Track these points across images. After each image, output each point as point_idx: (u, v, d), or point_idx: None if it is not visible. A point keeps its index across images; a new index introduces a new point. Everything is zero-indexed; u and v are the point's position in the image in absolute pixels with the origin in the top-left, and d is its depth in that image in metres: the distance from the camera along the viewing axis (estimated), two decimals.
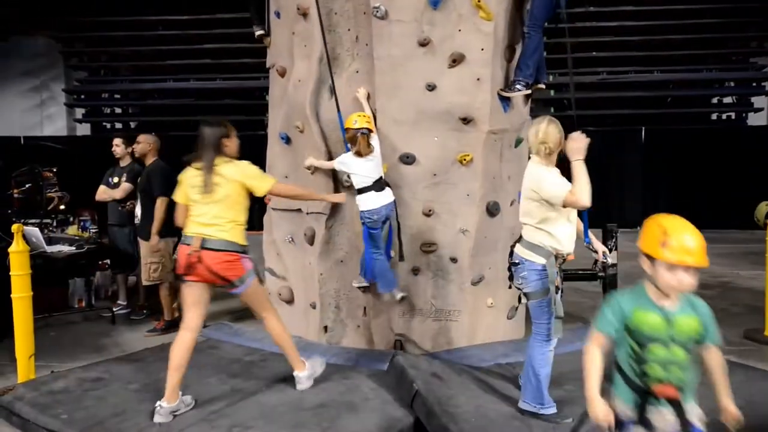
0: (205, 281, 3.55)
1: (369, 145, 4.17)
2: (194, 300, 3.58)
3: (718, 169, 13.47)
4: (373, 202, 4.16)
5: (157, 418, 3.43)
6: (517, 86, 4.57)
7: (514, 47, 4.75)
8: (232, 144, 3.61)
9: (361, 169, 4.17)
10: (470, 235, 4.53)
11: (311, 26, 4.61)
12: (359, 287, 4.54)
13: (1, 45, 14.90)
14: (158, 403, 3.47)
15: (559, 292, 3.43)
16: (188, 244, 3.50)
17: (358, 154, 4.15)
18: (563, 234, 3.36)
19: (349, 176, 4.32)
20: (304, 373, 3.87)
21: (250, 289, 3.64)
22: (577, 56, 14.09)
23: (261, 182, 3.61)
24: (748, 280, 7.72)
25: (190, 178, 3.57)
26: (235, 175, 3.52)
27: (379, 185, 4.19)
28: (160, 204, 5.51)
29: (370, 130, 4.24)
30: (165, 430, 3.33)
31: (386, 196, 4.21)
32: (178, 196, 3.66)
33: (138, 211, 5.72)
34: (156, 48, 14.74)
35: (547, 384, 3.39)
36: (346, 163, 4.24)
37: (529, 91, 4.70)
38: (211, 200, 3.47)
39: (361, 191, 4.19)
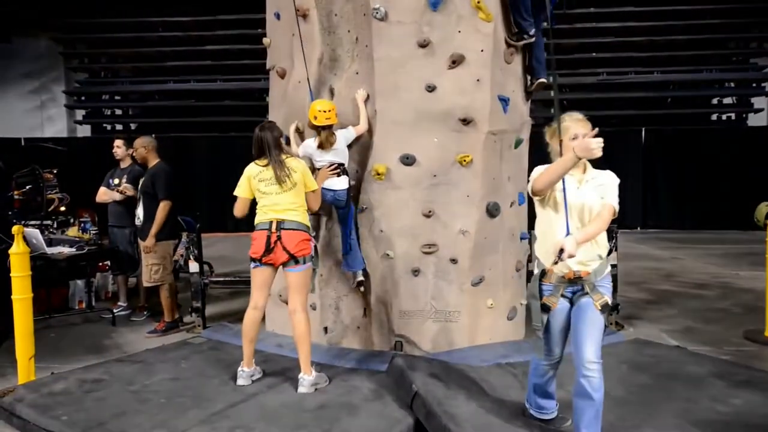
0: (276, 262, 3.92)
1: (332, 135, 4.37)
2: (262, 283, 4.01)
3: (718, 169, 13.48)
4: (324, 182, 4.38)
5: (239, 381, 3.97)
6: (542, 77, 4.84)
7: (514, 48, 4.76)
8: (282, 142, 4.09)
9: (322, 158, 4.42)
10: (470, 236, 4.53)
11: (311, 28, 4.62)
12: (358, 283, 4.58)
13: (3, 46, 14.92)
14: (239, 368, 4.02)
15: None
16: (265, 229, 3.90)
17: (321, 146, 4.38)
18: (545, 242, 3.00)
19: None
20: (310, 378, 3.89)
21: (305, 271, 3.96)
22: (577, 57, 14.12)
23: (310, 182, 4.06)
24: (748, 280, 7.72)
25: (257, 174, 3.95)
26: (300, 167, 3.99)
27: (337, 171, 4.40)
28: (163, 207, 5.54)
29: (332, 125, 4.37)
30: None
31: (338, 183, 4.38)
32: (243, 191, 4.02)
33: (140, 212, 5.72)
34: (156, 49, 14.76)
35: (541, 392, 3.25)
36: (309, 151, 4.47)
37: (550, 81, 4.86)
38: (285, 189, 3.90)
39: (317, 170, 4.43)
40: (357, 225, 4.56)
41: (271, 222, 3.88)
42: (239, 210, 4.05)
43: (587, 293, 2.92)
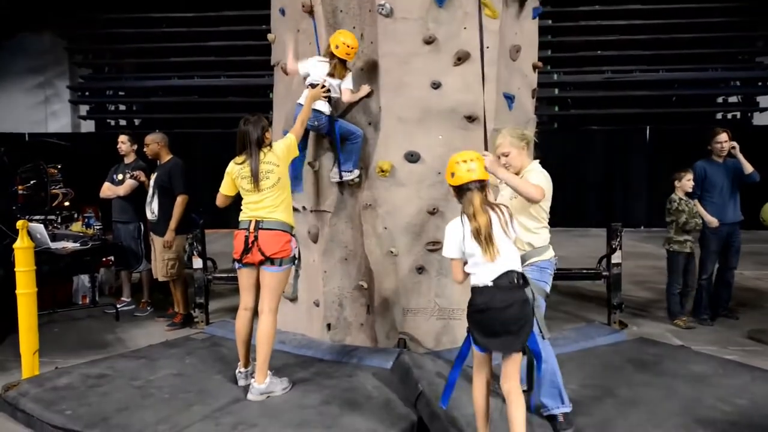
0: (255, 262, 3.82)
1: (346, 70, 4.35)
2: (248, 284, 3.94)
3: None
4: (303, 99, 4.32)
5: (240, 382, 3.95)
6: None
7: (519, 45, 4.74)
8: (269, 134, 3.93)
9: (317, 73, 4.32)
10: None
11: (317, 24, 4.61)
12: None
13: (7, 42, 14.94)
14: (237, 369, 4.01)
15: None
16: (245, 229, 3.82)
17: (331, 75, 4.31)
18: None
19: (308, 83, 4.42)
20: (261, 386, 3.75)
21: (281, 274, 3.84)
22: (582, 55, 14.08)
23: (291, 149, 3.94)
24: (752, 280, 7.70)
25: (238, 172, 3.85)
26: (277, 159, 3.84)
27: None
28: (181, 201, 5.63)
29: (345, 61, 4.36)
30: (170, 428, 3.34)
31: (321, 104, 4.33)
32: (226, 188, 3.96)
33: (155, 207, 5.74)
34: (160, 45, 14.77)
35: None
36: (309, 67, 4.39)
37: None
38: (263, 188, 3.79)
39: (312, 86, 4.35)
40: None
41: (250, 221, 3.80)
42: (220, 202, 4.04)
43: None
